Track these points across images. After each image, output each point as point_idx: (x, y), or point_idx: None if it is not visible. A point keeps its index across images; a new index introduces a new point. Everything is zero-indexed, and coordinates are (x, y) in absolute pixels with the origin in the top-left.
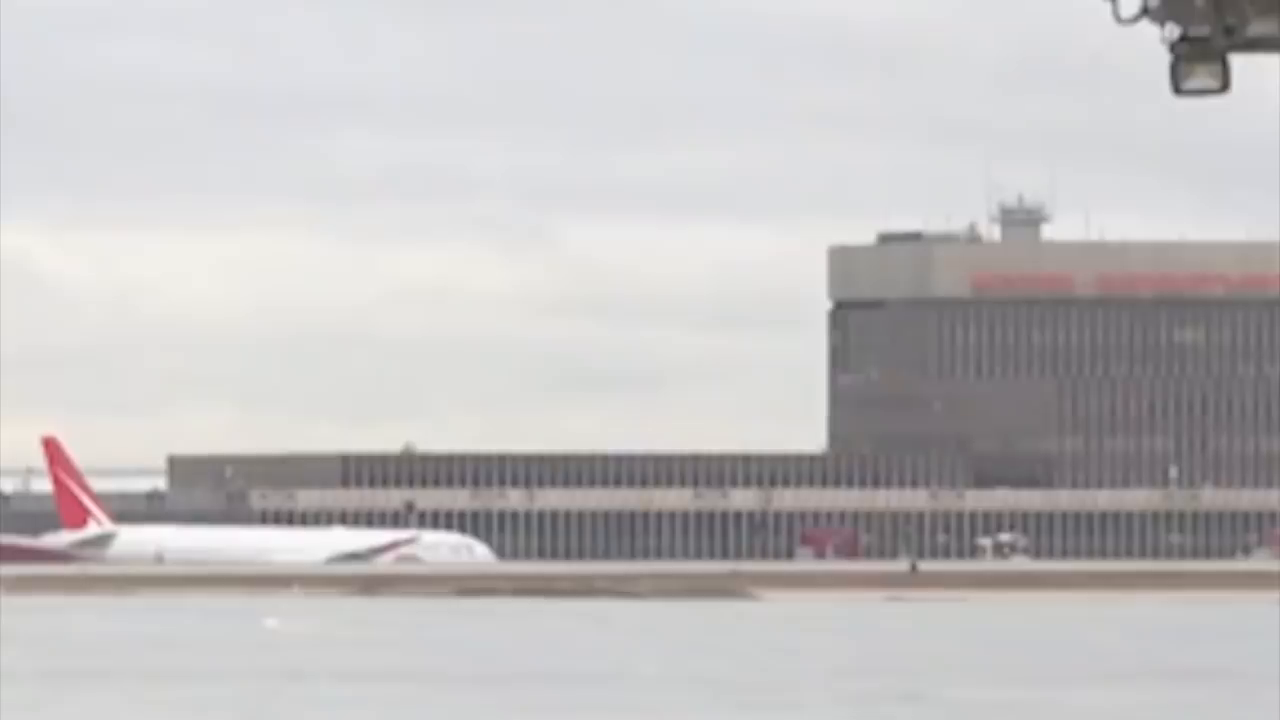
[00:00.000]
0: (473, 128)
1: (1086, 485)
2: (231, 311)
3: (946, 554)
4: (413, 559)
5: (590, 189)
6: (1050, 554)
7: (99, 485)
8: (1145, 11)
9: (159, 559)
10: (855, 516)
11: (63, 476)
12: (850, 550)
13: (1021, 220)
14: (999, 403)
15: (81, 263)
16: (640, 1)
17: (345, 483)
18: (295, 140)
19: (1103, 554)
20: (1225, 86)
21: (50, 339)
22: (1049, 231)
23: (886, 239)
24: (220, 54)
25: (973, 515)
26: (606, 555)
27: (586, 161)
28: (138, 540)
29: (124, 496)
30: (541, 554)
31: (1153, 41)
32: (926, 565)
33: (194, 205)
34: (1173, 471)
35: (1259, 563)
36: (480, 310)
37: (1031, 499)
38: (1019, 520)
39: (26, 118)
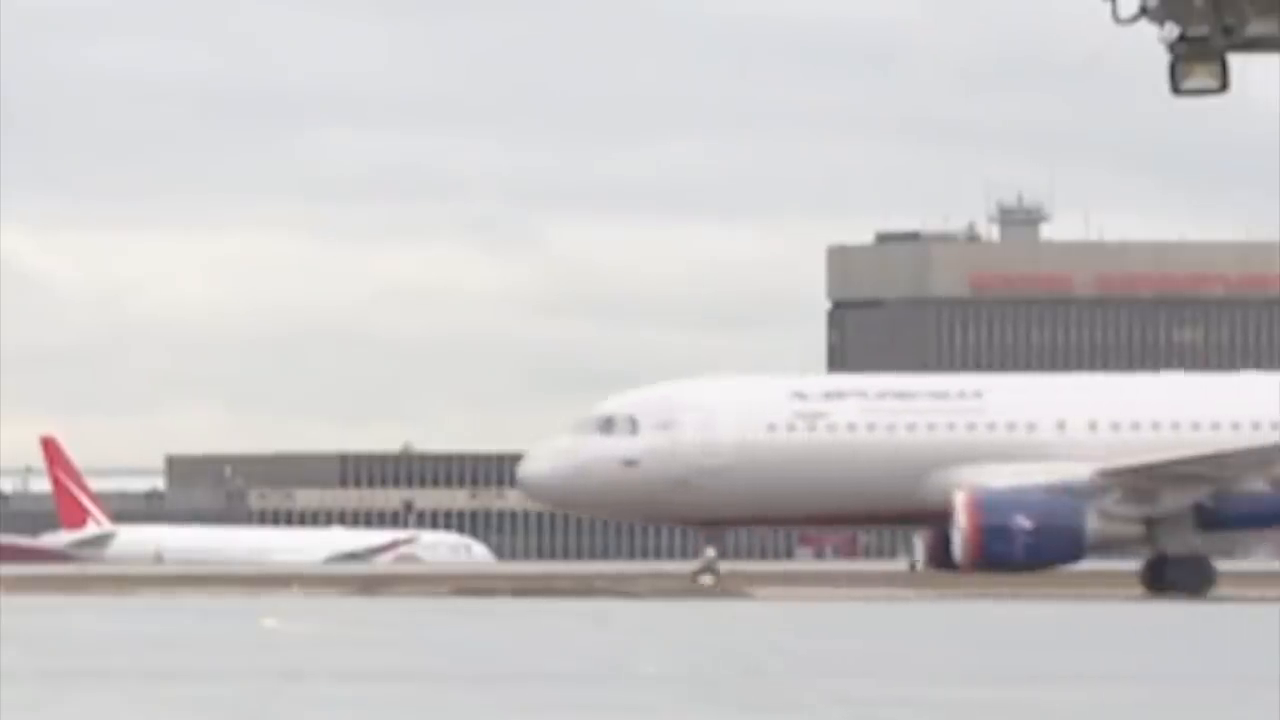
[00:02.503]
0: (465, 127)
1: None
2: (227, 311)
3: None
4: (411, 559)
5: (585, 188)
6: None
7: (97, 485)
8: (1144, 11)
9: (158, 559)
10: None
11: (61, 476)
12: (849, 550)
13: (1020, 220)
14: None
15: (78, 263)
16: (635, 0)
17: (343, 482)
18: (287, 140)
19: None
20: (1224, 86)
21: (47, 339)
22: (1048, 231)
23: (885, 239)
24: (210, 54)
25: None
26: (606, 555)
27: (581, 161)
28: (137, 540)
29: (123, 496)
30: (540, 554)
31: (1151, 41)
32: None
33: (188, 205)
34: None
35: (1258, 562)
36: (476, 310)
37: None
38: None
39: (18, 118)
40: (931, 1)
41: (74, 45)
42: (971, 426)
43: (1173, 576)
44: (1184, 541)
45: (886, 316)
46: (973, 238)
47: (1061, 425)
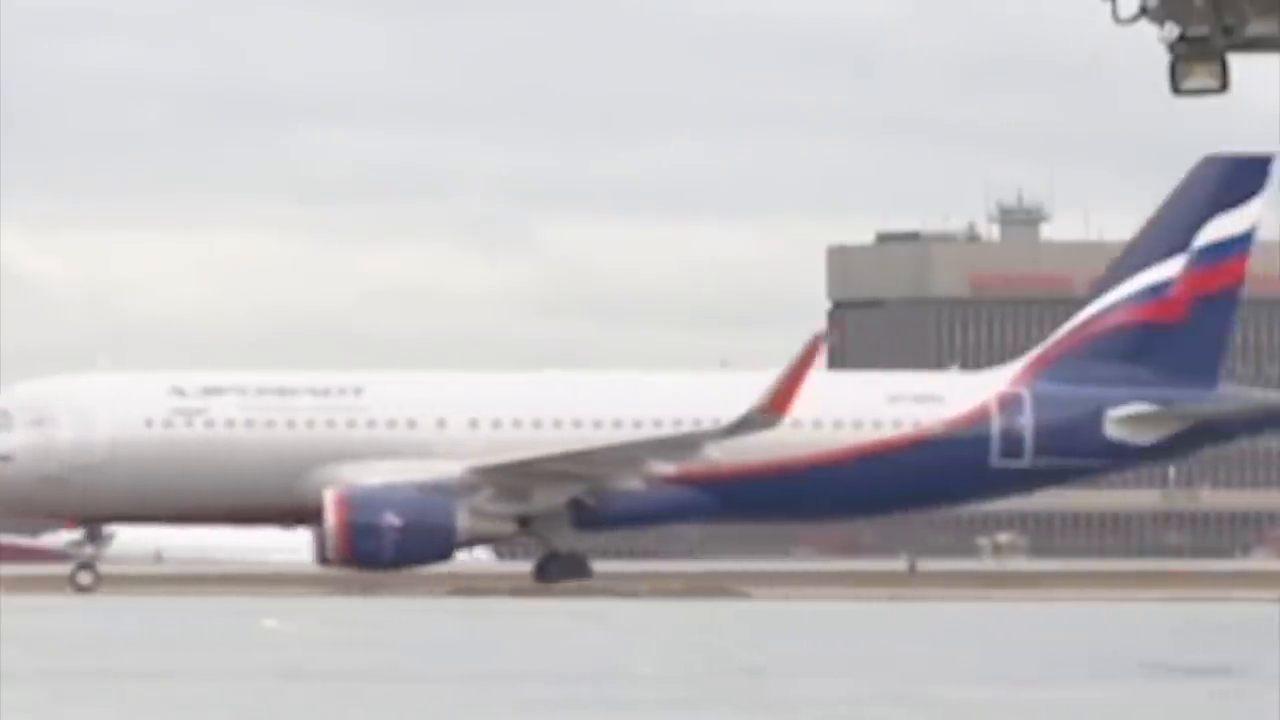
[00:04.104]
0: (462, 127)
1: (1086, 485)
2: (225, 311)
3: (946, 554)
4: None
5: (583, 188)
6: (1050, 554)
7: None
8: (1144, 11)
9: (158, 559)
10: None
11: None
12: (850, 549)
13: (1020, 220)
14: None
15: (75, 263)
16: (634, 1)
17: None
18: (284, 140)
19: (1102, 554)
20: (1224, 86)
21: (45, 339)
22: (1048, 231)
23: (885, 239)
24: (206, 54)
25: (972, 515)
26: (605, 555)
27: (579, 161)
28: (137, 540)
29: None
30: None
31: (1151, 41)
32: (925, 565)
33: (185, 205)
34: (1171, 471)
35: (1258, 562)
36: (474, 310)
37: (1030, 498)
38: (1018, 520)
39: (15, 117)
40: (931, 3)
41: (72, 45)
42: (352, 424)
43: (553, 573)
44: (564, 538)
45: (886, 316)
46: (973, 238)
47: (442, 423)
